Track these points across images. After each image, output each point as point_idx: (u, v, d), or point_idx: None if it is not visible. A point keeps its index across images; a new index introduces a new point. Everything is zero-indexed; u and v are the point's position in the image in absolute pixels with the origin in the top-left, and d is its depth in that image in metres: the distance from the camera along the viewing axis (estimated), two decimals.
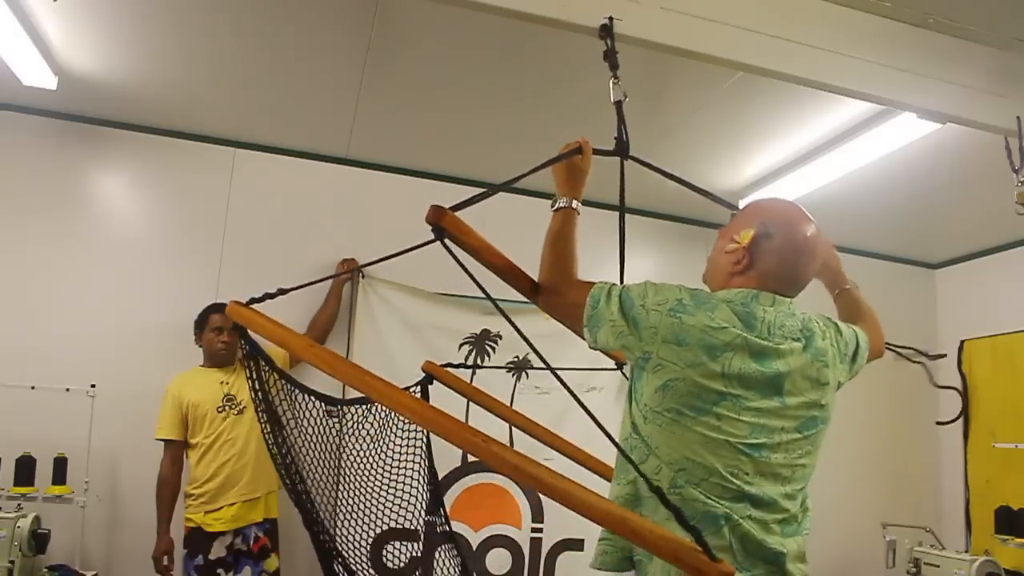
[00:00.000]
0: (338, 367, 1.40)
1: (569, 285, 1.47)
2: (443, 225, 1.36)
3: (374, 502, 2.25)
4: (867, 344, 1.60)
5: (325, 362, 1.40)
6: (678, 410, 1.28)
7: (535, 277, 1.52)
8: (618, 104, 1.76)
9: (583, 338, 1.44)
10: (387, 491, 2.32)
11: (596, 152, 1.65)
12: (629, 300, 1.36)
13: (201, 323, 3.19)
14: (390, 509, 2.30)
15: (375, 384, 1.30)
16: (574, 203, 1.55)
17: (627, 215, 1.81)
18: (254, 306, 1.54)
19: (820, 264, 1.48)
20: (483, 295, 1.34)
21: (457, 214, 1.39)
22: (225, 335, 3.15)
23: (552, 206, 1.56)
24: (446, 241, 1.38)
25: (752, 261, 1.40)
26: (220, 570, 2.98)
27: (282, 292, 1.60)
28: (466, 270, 1.36)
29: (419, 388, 2.51)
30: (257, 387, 1.71)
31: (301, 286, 1.65)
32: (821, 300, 1.80)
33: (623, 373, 1.89)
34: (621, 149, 1.75)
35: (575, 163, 1.60)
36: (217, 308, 3.20)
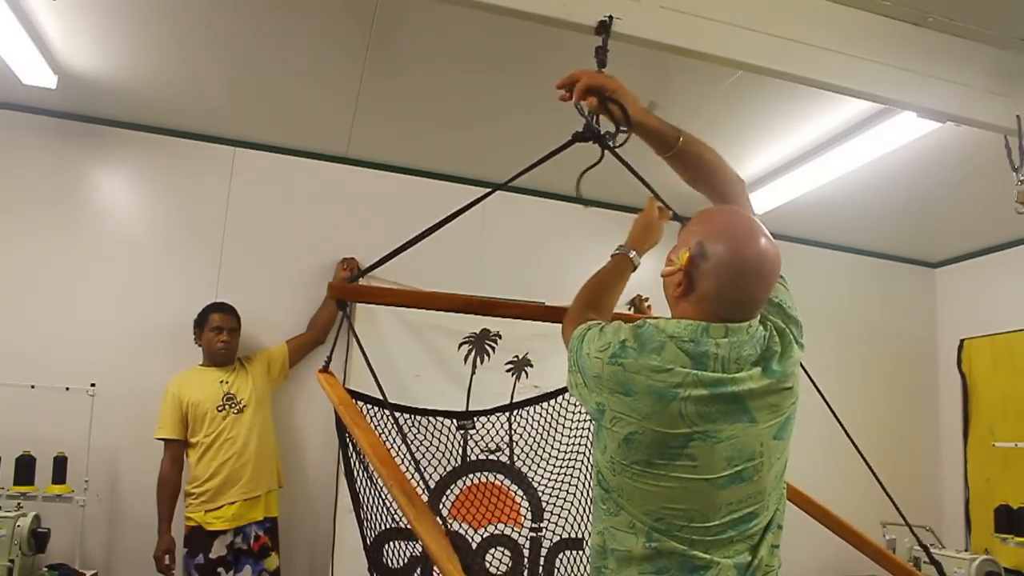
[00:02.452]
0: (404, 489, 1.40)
1: (575, 317, 1.40)
2: (343, 298, 1.44)
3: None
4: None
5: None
6: (647, 461, 1.19)
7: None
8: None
9: None
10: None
11: (579, 137, 1.68)
12: (581, 346, 1.26)
13: (201, 322, 3.19)
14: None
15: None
16: (632, 253, 1.56)
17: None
18: None
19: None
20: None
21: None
22: (224, 335, 3.16)
23: (615, 250, 1.59)
24: (349, 315, 1.50)
25: (691, 284, 1.24)
26: (221, 569, 2.98)
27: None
28: (361, 347, 1.66)
29: None
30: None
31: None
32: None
33: None
34: (594, 134, 1.71)
35: (651, 222, 1.66)
36: (216, 307, 3.21)
